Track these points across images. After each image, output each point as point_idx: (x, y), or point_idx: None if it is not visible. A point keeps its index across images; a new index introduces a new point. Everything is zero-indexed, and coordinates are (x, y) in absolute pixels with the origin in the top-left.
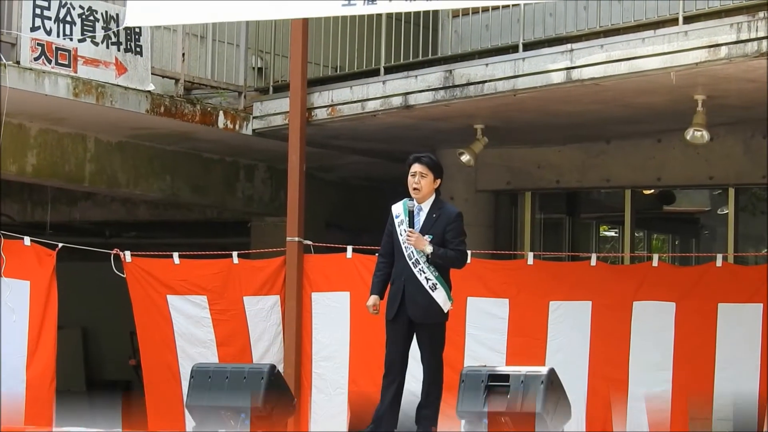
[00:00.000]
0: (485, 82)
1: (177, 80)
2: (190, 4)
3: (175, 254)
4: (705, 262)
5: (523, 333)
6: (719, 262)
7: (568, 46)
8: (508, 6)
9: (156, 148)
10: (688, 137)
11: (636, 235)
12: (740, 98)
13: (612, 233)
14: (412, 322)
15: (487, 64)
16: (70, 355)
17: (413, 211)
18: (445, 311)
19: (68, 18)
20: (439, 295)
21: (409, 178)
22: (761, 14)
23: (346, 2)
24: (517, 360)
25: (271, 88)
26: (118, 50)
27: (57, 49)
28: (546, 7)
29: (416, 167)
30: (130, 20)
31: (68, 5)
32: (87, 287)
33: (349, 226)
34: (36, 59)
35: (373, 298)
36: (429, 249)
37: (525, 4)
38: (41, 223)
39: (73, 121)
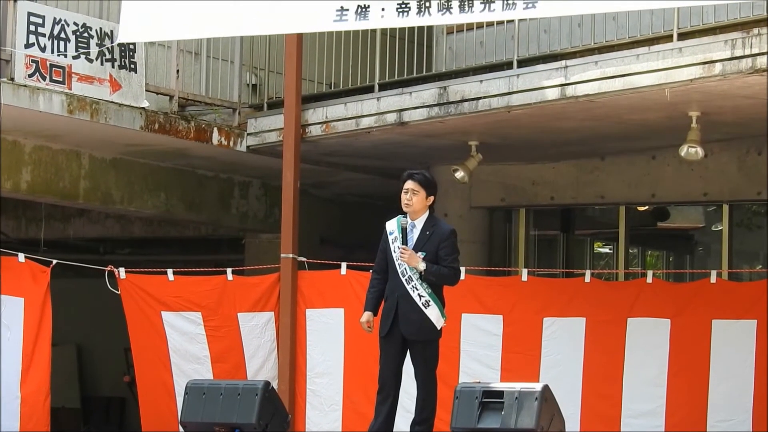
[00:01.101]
0: (480, 98)
1: (171, 97)
2: (183, 20)
3: (170, 271)
4: (699, 279)
5: (517, 349)
6: (713, 279)
7: (563, 62)
8: (502, 22)
9: (150, 165)
10: (682, 154)
11: (630, 251)
12: (735, 115)
13: (606, 250)
14: (405, 338)
15: (481, 81)
16: (65, 371)
17: (406, 228)
18: (438, 328)
19: (62, 35)
20: (432, 312)
21: (402, 194)
22: (755, 31)
23: (338, 17)
24: (511, 376)
25: (265, 105)
26: (113, 67)
27: (51, 65)
28: (540, 23)
29: (409, 184)
30: (123, 37)
31: (62, 22)
32: (81, 304)
33: (343, 242)
34: (30, 76)
35: (366, 315)
36: (422, 266)
37: (519, 21)
38: (35, 239)
39: (68, 137)
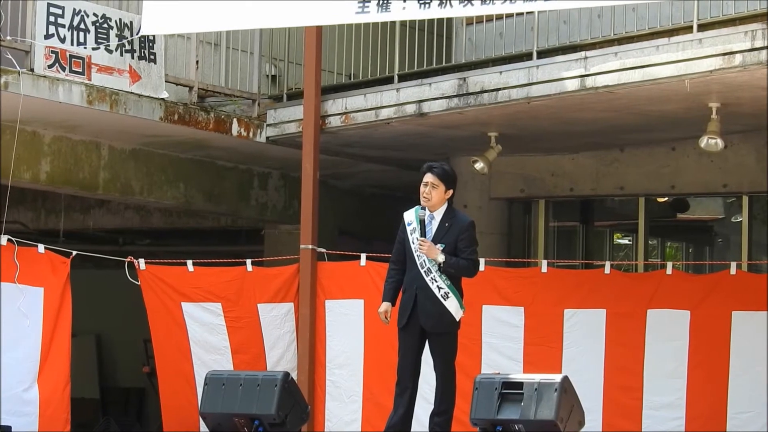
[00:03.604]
0: (499, 89)
1: (191, 88)
2: (205, 12)
3: (189, 262)
4: (719, 270)
5: (538, 341)
6: (733, 270)
7: (582, 53)
8: (522, 14)
9: (170, 156)
10: (702, 145)
11: (650, 242)
12: (754, 106)
13: (626, 241)
14: (424, 330)
15: (501, 72)
16: (84, 362)
17: (424, 220)
18: (457, 320)
19: (82, 26)
20: (451, 304)
21: (421, 187)
22: None
23: (360, 10)
24: (533, 368)
25: (284, 96)
26: (132, 58)
27: (71, 56)
28: (560, 14)
29: (428, 177)
30: (145, 29)
31: (82, 13)
32: (101, 295)
33: (362, 233)
34: (50, 67)
35: (384, 305)
36: (441, 258)
37: (539, 12)
38: (55, 230)
39: (87, 128)
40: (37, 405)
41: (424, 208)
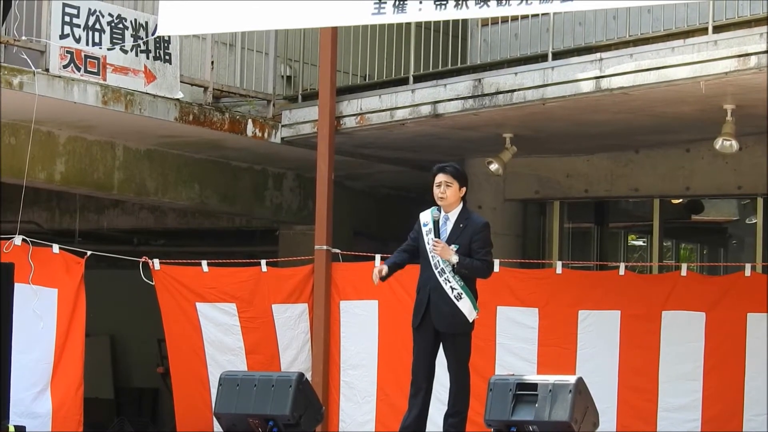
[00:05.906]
0: (514, 91)
1: (206, 88)
2: (220, 13)
3: (204, 262)
4: (733, 272)
5: (553, 342)
6: (748, 272)
7: (598, 55)
8: (537, 15)
9: (184, 156)
10: (717, 147)
11: (664, 244)
12: None
13: (640, 242)
14: (438, 331)
15: (516, 73)
16: (99, 362)
17: (439, 221)
18: (471, 321)
19: (97, 26)
20: (465, 305)
21: (435, 188)
22: None
23: (376, 11)
24: (548, 369)
25: (299, 97)
26: (147, 58)
27: (86, 56)
28: (575, 16)
29: (441, 177)
30: (162, 29)
31: (97, 13)
32: (115, 295)
33: (376, 234)
34: (65, 67)
35: (382, 266)
36: (455, 259)
37: (555, 13)
38: (69, 230)
39: (102, 128)
40: (50, 406)
41: (439, 210)
